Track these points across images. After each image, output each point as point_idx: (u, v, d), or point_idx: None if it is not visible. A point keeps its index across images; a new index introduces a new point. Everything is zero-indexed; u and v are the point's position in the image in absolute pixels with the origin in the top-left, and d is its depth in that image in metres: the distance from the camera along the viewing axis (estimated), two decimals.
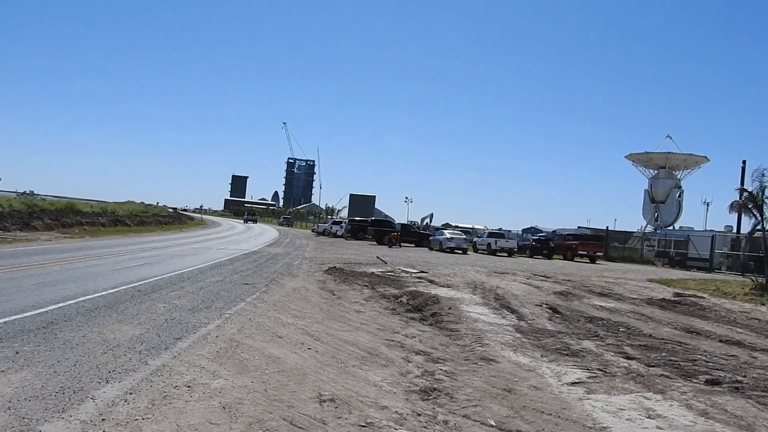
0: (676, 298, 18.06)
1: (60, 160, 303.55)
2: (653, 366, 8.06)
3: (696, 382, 7.24)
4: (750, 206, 20.37)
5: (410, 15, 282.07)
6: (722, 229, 42.01)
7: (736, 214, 37.05)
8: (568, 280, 22.00)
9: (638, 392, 6.39)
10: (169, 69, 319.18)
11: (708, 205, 75.33)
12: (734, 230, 41.32)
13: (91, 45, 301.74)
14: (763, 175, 19.85)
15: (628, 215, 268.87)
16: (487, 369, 6.98)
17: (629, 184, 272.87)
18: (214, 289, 11.69)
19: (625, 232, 57.05)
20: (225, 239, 37.55)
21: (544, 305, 14.17)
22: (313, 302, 11.39)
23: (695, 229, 43.82)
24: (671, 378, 7.36)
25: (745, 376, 7.89)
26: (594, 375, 7.13)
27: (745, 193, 20.20)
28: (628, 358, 8.66)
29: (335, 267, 19.55)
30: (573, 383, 6.63)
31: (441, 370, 6.71)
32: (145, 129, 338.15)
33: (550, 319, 11.98)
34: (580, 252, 39.34)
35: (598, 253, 39.73)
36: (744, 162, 34.21)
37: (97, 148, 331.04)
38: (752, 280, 21.43)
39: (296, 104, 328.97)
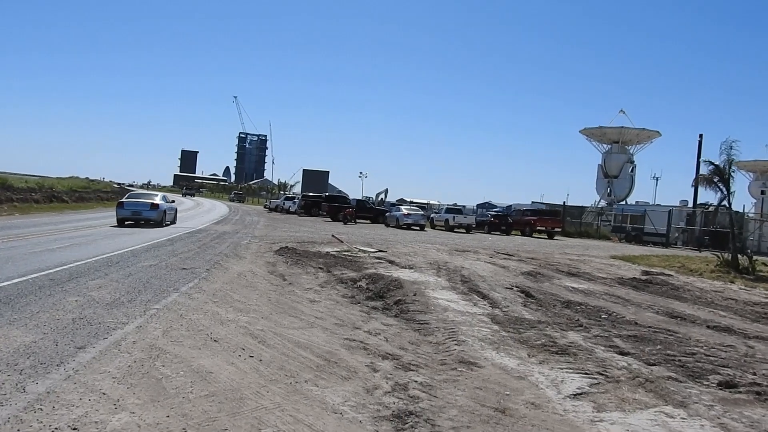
0: (645, 277, 17.33)
1: (3, 134, 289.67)
2: (654, 365, 6.98)
3: (710, 386, 6.18)
4: (716, 180, 19.67)
5: None
6: (677, 204, 42.07)
7: (693, 189, 37.15)
8: (532, 258, 21.10)
9: (655, 406, 5.25)
10: (118, 41, 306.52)
11: (657, 179, 76.26)
12: (689, 204, 41.46)
13: (36, 16, 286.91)
14: (731, 148, 19.15)
15: (580, 190, 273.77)
16: (470, 377, 5.72)
17: (582, 159, 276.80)
18: (144, 276, 10.09)
19: (579, 207, 57.02)
20: None
21: (514, 288, 13.09)
22: (261, 290, 9.95)
23: (650, 203, 43.78)
24: (680, 381, 6.28)
25: (755, 374, 6.91)
26: (595, 381, 5.97)
27: (711, 167, 19.45)
28: (623, 353, 7.58)
29: (287, 247, 18.07)
30: (575, 395, 5.44)
31: (415, 381, 5.42)
32: (92, 103, 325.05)
33: (524, 305, 10.87)
34: (538, 228, 38.73)
35: (556, 229, 39.22)
36: (701, 136, 34.09)
37: (44, 121, 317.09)
38: (718, 257, 20.92)
39: (247, 77, 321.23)
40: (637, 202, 46.14)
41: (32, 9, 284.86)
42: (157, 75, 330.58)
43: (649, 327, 9.62)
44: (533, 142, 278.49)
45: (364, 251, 18.85)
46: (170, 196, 33.58)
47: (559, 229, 40.00)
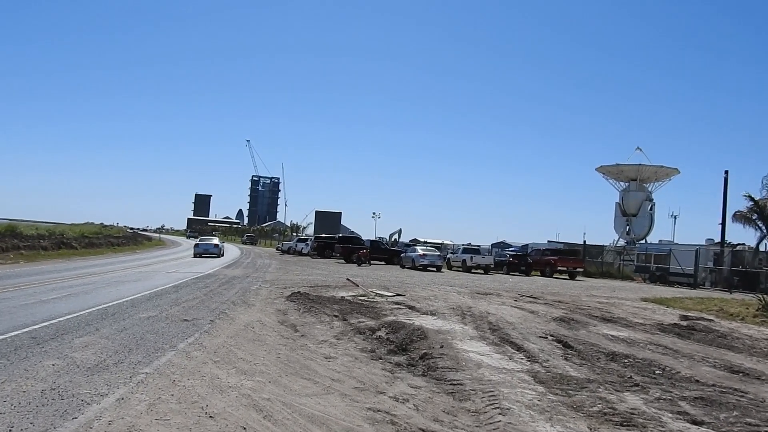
0: (685, 323, 15.99)
1: (18, 181, 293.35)
2: None
3: None
4: (754, 218, 18.41)
5: (375, 29, 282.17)
6: (701, 243, 40.56)
7: (720, 227, 35.71)
8: (560, 302, 19.84)
9: None
10: (130, 86, 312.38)
11: (675, 218, 74.51)
12: (715, 243, 39.95)
13: (49, 62, 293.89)
14: None
15: (597, 229, 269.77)
16: None
17: (598, 197, 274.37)
18: (138, 331, 9.02)
19: (597, 246, 55.58)
20: (179, 261, 34.54)
21: (549, 337, 11.88)
22: (269, 345, 8.83)
23: (674, 242, 42.33)
24: None
25: None
26: None
27: (750, 202, 18.21)
28: (696, 422, 6.38)
29: (299, 292, 16.97)
30: None
31: None
32: (106, 148, 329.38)
33: (565, 359, 9.67)
34: (559, 268, 37.35)
35: (578, 269, 37.81)
36: (726, 173, 32.74)
37: (58, 167, 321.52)
38: (760, 299, 19.50)
39: (260, 121, 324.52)
40: (660, 240, 44.69)
41: (44, 56, 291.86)
42: (169, 119, 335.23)
43: (713, 386, 8.38)
44: (548, 181, 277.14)
45: (382, 295, 17.72)
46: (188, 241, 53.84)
47: (581, 270, 38.58)
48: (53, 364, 6.54)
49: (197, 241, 48.50)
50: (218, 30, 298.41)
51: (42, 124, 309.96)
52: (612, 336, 12.60)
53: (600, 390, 7.53)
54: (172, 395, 5.55)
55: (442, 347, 9.68)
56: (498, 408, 6.26)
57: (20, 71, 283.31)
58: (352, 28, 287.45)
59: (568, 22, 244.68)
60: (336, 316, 12.59)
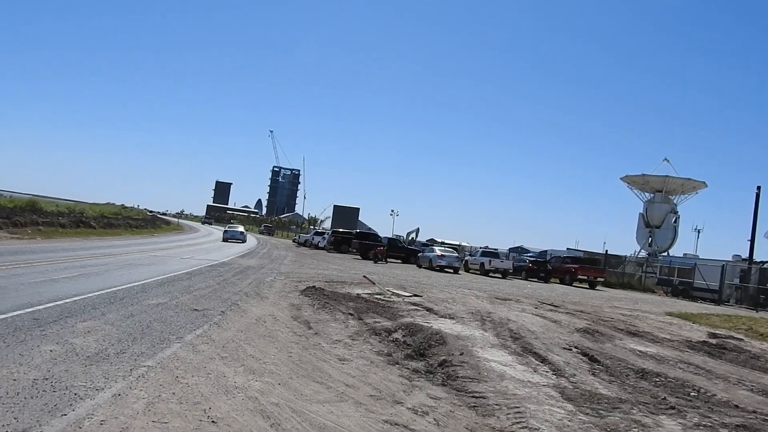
0: (714, 341, 15.29)
1: (43, 158, 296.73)
2: None
3: None
4: None
5: (401, 28, 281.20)
6: (727, 258, 39.49)
7: (749, 243, 34.68)
8: (581, 311, 19.19)
9: None
10: (160, 72, 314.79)
11: (699, 232, 72.98)
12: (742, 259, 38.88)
13: (79, 44, 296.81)
14: None
15: (617, 239, 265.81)
16: None
17: (619, 208, 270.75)
18: (146, 319, 8.61)
19: (617, 256, 54.53)
20: (196, 247, 34.34)
21: (573, 349, 11.31)
22: (281, 342, 8.37)
23: (699, 256, 41.28)
24: None
25: None
26: None
27: None
28: None
29: (314, 287, 16.53)
30: None
31: None
32: (131, 131, 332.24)
33: (593, 374, 9.10)
34: (579, 276, 36.55)
35: (598, 279, 36.97)
36: (759, 188, 31.77)
37: (83, 147, 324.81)
38: None
39: (284, 113, 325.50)
40: (684, 254, 43.60)
41: (73, 38, 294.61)
42: (195, 106, 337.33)
43: (754, 412, 7.78)
44: (569, 189, 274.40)
45: (398, 295, 17.22)
46: (206, 228, 69.08)
47: (602, 279, 37.74)
48: (51, 350, 6.13)
49: (226, 227, 61.26)
50: (248, 21, 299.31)
51: (72, 103, 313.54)
52: (640, 351, 11.98)
53: (634, 412, 6.98)
54: (173, 393, 5.10)
55: (462, 354, 9.16)
56: (525, 427, 5.74)
57: (55, 48, 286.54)
58: (381, 26, 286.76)
59: (599, 33, 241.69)
60: (351, 315, 12.12)
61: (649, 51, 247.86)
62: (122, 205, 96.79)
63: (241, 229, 55.58)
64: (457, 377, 7.72)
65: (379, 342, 9.58)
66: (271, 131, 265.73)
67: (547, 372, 8.79)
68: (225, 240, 48.93)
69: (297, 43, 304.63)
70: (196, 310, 9.96)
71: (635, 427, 6.28)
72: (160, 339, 7.31)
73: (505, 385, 7.48)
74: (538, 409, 6.50)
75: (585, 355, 10.72)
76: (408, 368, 7.91)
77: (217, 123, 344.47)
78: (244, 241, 50.12)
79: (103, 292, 10.85)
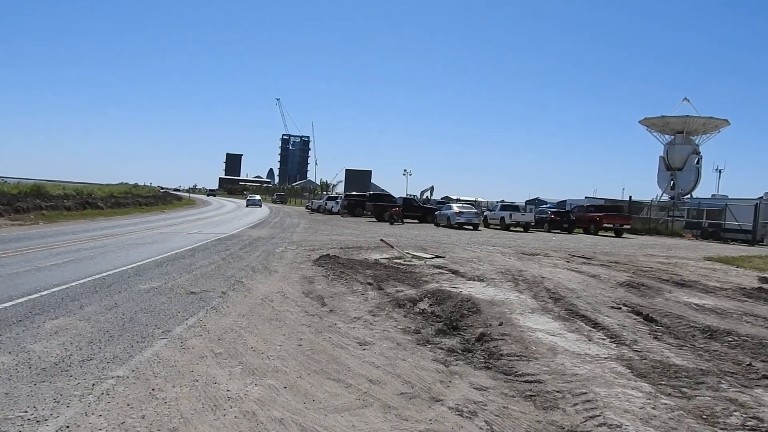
0: None
1: (55, 142, 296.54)
2: None
3: None
4: None
5: None
6: (761, 196, 37.65)
7: None
8: (616, 263, 17.84)
9: None
10: (162, 49, 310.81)
11: (720, 172, 70.35)
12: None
13: (83, 25, 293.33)
14: None
15: (636, 184, 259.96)
16: None
17: (636, 153, 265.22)
18: (131, 309, 7.39)
19: (638, 202, 52.77)
20: (205, 220, 33.23)
21: (623, 307, 10.01)
22: (290, 325, 7.12)
23: (729, 197, 39.48)
24: None
25: None
26: None
27: None
28: None
29: (328, 255, 15.30)
30: None
31: None
32: (139, 110, 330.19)
33: (656, 338, 7.80)
34: (605, 225, 35.04)
35: (625, 226, 35.44)
36: None
37: (93, 130, 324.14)
38: None
39: (289, 80, 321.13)
40: (713, 195, 41.78)
41: (78, 19, 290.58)
42: (201, 80, 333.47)
43: None
44: (582, 137, 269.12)
45: (419, 258, 15.95)
46: (218, 200, 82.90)
47: (628, 227, 36.21)
48: (1, 362, 4.91)
49: (248, 197, 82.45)
50: None
51: (80, 87, 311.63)
52: (696, 305, 10.66)
53: (723, 386, 5.69)
54: (143, 418, 3.85)
55: (501, 324, 7.89)
56: (603, 424, 4.46)
57: (61, 34, 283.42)
58: None
59: None
60: (370, 284, 10.88)
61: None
62: (135, 184, 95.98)
63: (258, 197, 78.67)
64: (501, 355, 6.45)
65: (404, 316, 8.32)
66: (278, 99, 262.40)
67: (603, 340, 7.50)
68: (248, 206, 63.04)
69: (299, 10, 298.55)
70: (192, 293, 8.74)
71: (736, 410, 4.99)
72: (141, 335, 6.07)
73: (561, 362, 6.20)
74: (610, 393, 5.23)
75: (638, 314, 9.42)
76: (442, 348, 6.65)
77: (224, 95, 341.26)
78: (260, 206, 65.55)
79: (90, 279, 9.65)
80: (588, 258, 18.94)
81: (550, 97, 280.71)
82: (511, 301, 9.76)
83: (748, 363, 6.68)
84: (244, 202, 76.34)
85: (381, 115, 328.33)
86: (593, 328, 8.20)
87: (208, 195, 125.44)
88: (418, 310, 8.85)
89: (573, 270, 14.84)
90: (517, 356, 6.40)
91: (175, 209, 52.80)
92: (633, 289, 12.14)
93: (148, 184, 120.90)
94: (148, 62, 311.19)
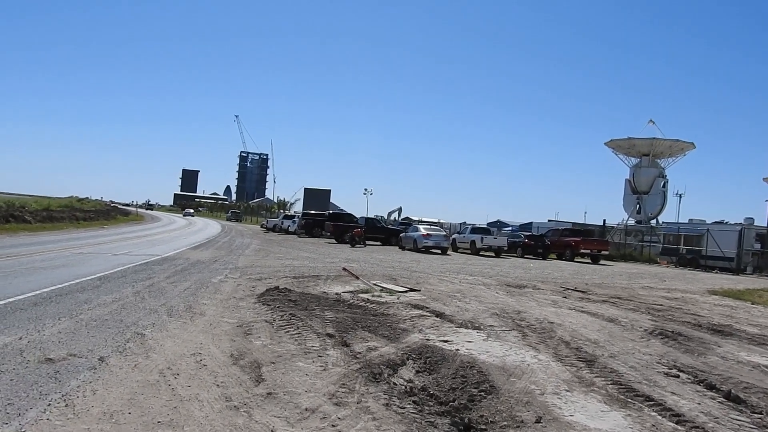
0: None
1: (13, 155, 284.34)
2: None
3: None
4: None
5: (366, 6, 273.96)
6: (739, 222, 36.01)
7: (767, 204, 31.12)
8: (618, 298, 15.24)
9: None
10: (118, 61, 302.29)
11: (681, 196, 69.37)
12: (754, 223, 35.50)
13: (35, 37, 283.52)
14: None
15: (598, 208, 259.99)
16: None
17: (599, 176, 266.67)
18: None
19: (612, 227, 51.18)
20: (144, 238, 29.59)
21: (680, 374, 7.22)
22: None
23: (707, 221, 37.75)
24: None
25: None
26: None
27: None
28: None
29: (278, 288, 12.22)
30: None
31: None
32: (93, 123, 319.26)
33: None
34: (582, 251, 32.71)
35: (603, 252, 33.22)
36: None
37: (47, 143, 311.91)
38: None
39: (248, 97, 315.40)
40: (690, 220, 40.06)
41: (31, 30, 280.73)
42: (158, 95, 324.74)
43: None
44: (543, 160, 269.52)
45: (391, 291, 12.99)
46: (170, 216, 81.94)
47: (606, 252, 34.02)
48: None
49: (185, 210, 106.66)
50: (209, 5, 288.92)
51: (36, 99, 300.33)
52: (766, 367, 7.98)
53: None
54: None
55: (539, 422, 4.97)
56: None
57: (11, 46, 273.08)
58: (344, 7, 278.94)
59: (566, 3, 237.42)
60: (331, 336, 7.85)
61: (630, 6, 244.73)
62: (77, 197, 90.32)
63: (192, 211, 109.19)
64: None
65: (385, 400, 5.30)
66: (236, 116, 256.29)
67: None
68: (184, 216, 71.48)
69: (259, 26, 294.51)
70: (49, 360, 5.54)
71: None
72: None
73: None
74: None
75: (711, 387, 6.65)
76: None
77: (181, 111, 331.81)
78: (193, 215, 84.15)
79: None
80: (583, 291, 16.29)
81: (512, 118, 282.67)
82: (532, 368, 6.86)
83: None
84: (201, 220, 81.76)
85: (342, 135, 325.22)
86: (667, 418, 5.34)
87: (146, 209, 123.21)
88: (402, 386, 5.85)
89: (580, 311, 12.09)
90: None
91: (117, 225, 48.66)
92: (670, 341, 9.42)
93: (99, 198, 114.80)
94: (103, 75, 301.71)
